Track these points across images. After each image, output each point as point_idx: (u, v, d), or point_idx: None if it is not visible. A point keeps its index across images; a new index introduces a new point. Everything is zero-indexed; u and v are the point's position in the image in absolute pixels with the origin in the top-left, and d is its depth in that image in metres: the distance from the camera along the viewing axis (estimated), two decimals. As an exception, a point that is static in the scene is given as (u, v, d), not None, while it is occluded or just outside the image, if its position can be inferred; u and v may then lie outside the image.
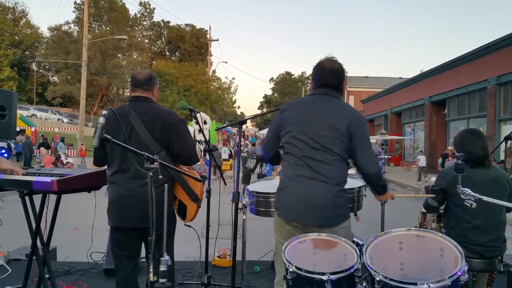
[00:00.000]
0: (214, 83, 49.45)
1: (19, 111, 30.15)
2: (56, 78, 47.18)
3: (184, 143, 2.79)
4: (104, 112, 1.68)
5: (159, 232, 2.78)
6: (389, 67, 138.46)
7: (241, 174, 2.87)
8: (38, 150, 20.09)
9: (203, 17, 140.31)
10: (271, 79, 76.11)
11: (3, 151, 10.67)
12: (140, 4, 52.02)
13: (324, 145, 2.37)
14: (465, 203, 1.98)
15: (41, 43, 45.90)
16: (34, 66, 44.21)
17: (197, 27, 53.83)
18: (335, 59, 2.60)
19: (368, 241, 1.97)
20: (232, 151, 24.44)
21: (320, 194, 2.34)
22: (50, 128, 30.66)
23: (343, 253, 1.99)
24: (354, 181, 3.20)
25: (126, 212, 2.64)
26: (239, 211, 2.37)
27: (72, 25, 45.06)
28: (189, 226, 2.92)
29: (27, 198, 3.19)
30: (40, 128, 29.50)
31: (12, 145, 23.72)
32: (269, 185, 3.20)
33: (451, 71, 19.43)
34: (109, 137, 1.66)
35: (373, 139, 21.50)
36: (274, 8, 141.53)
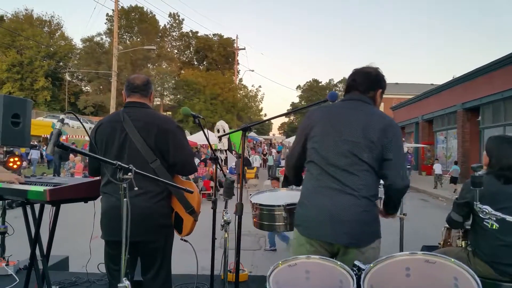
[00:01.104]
0: (241, 91, 49.60)
1: (51, 120, 31.12)
2: (88, 88, 48.54)
3: (180, 152, 2.62)
4: (62, 116, 1.53)
5: (159, 244, 2.64)
6: (420, 73, 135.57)
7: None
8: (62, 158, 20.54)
9: (231, 27, 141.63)
10: (298, 87, 75.56)
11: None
12: (170, 15, 53.02)
13: (352, 152, 2.13)
14: (484, 223, 1.70)
15: (74, 54, 47.38)
16: (67, 76, 45.59)
17: (225, 37, 54.34)
18: (373, 66, 2.38)
19: (367, 268, 1.71)
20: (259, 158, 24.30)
21: (346, 208, 2.08)
22: (81, 136, 31.38)
23: (339, 279, 1.74)
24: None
25: (119, 225, 2.48)
26: (221, 229, 2.15)
27: (103, 36, 46.39)
28: (185, 240, 2.74)
29: (28, 207, 3.15)
30: (71, 136, 30.22)
31: (44, 153, 24.41)
32: (274, 196, 2.97)
33: (486, 76, 18.61)
34: (67, 144, 1.51)
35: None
36: (301, 16, 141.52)
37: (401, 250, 3.42)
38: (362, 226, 2.09)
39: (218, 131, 7.28)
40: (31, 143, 24.30)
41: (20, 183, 2.83)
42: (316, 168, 2.22)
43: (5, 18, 44.60)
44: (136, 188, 1.59)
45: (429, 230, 8.01)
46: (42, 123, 28.52)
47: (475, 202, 1.74)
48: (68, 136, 29.64)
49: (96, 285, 4.05)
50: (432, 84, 35.02)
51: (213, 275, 3.65)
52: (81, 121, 2.23)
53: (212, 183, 13.83)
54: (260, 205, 2.79)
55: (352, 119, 2.20)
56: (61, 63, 44.53)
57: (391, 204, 2.36)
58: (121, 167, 1.53)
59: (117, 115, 2.65)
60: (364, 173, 2.12)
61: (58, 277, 4.14)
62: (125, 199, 1.47)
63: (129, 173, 1.53)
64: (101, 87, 44.80)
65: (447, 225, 3.54)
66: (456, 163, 19.51)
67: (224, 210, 2.17)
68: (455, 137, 22.65)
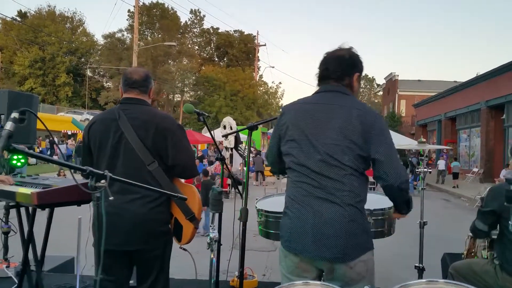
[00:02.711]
0: (261, 88, 49.40)
1: (72, 115, 31.55)
2: (109, 84, 49.06)
3: (180, 153, 2.41)
4: (14, 115, 1.32)
5: (156, 253, 2.42)
6: (443, 70, 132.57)
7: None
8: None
9: (251, 23, 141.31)
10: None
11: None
12: (191, 12, 53.11)
13: (332, 156, 1.89)
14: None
15: (95, 50, 47.97)
16: (88, 72, 46.17)
17: (245, 33, 54.12)
18: (345, 47, 2.09)
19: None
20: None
21: (329, 219, 1.86)
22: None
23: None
24: (383, 199, 2.67)
25: (110, 232, 2.28)
26: (207, 247, 1.91)
27: (125, 33, 46.69)
28: (184, 249, 2.53)
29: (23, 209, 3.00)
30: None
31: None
32: (281, 201, 2.74)
33: (511, 73, 17.90)
34: (20, 147, 1.30)
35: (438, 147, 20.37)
36: (322, 11, 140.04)
37: (421, 260, 3.15)
38: (348, 238, 1.85)
39: (225, 127, 6.98)
40: (51, 139, 24.65)
41: (10, 184, 2.68)
42: (296, 175, 2.00)
43: (28, 14, 45.51)
44: (111, 198, 1.37)
45: (451, 233, 7.66)
46: (63, 119, 28.96)
47: (510, 223, 1.47)
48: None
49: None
50: (455, 81, 34.12)
51: (218, 280, 3.44)
52: (39, 117, 1.99)
53: (229, 181, 13.59)
54: (266, 211, 2.56)
55: (328, 117, 1.95)
56: (82, 59, 45.17)
57: (399, 205, 2.13)
58: (92, 174, 1.31)
59: (111, 113, 2.44)
60: (347, 178, 1.89)
61: (60, 280, 4.00)
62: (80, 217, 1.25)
63: (103, 180, 1.31)
64: (122, 83, 45.15)
65: (471, 234, 3.27)
66: (456, 159, 20.99)
67: (210, 226, 1.93)
68: (479, 136, 21.99)
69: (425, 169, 3.45)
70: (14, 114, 1.29)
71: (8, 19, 41.90)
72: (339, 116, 1.93)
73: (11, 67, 42.52)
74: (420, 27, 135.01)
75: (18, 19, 44.27)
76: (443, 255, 4.14)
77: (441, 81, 41.03)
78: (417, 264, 3.10)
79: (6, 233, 4.25)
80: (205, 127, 3.06)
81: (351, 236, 1.86)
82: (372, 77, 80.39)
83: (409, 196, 2.07)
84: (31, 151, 1.37)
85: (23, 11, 46.10)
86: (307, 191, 1.94)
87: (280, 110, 2.20)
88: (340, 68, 2.04)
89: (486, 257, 3.11)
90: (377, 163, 1.90)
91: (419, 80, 44.32)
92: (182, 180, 2.60)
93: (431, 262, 3.58)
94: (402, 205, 2.11)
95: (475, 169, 20.69)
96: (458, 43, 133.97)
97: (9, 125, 1.22)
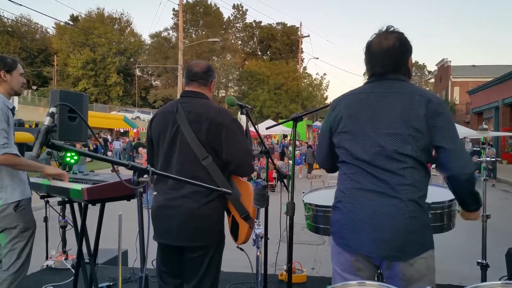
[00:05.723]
0: (305, 80, 48.89)
1: (123, 114, 32.80)
2: (157, 82, 50.52)
3: (234, 148, 2.30)
4: (52, 110, 1.28)
5: (201, 253, 2.32)
6: (500, 54, 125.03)
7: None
8: (133, 151, 21.34)
9: (294, 14, 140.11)
10: (365, 73, 73.08)
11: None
12: (233, 7, 53.50)
13: (393, 147, 1.75)
14: None
15: (143, 49, 49.54)
16: (137, 72, 47.76)
17: (288, 25, 53.72)
18: (389, 31, 1.90)
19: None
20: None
21: (388, 214, 1.73)
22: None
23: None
24: (443, 192, 2.49)
25: (165, 227, 2.29)
26: (253, 244, 1.82)
27: (170, 31, 47.88)
28: (241, 249, 2.42)
29: (76, 204, 3.08)
30: (142, 129, 31.65)
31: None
32: (330, 195, 2.62)
33: None
34: (59, 143, 1.27)
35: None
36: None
37: (484, 256, 2.92)
38: (407, 235, 1.72)
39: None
40: (104, 136, 25.70)
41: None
42: (349, 168, 1.87)
43: (79, 18, 47.75)
44: (154, 193, 1.33)
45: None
46: (115, 117, 30.23)
47: None
48: (139, 129, 31.03)
49: (151, 282, 3.94)
50: (514, 65, 32.00)
51: (267, 274, 3.37)
52: (79, 113, 1.99)
53: (275, 174, 13.57)
54: (316, 206, 2.46)
55: (387, 105, 1.80)
56: (131, 59, 46.78)
57: (465, 199, 1.93)
58: (135, 169, 1.27)
59: (171, 106, 2.42)
60: (409, 171, 1.74)
61: (113, 272, 4.10)
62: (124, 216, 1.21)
63: (145, 175, 1.27)
64: (169, 81, 46.35)
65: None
66: (491, 145, 20.26)
67: (256, 222, 1.83)
68: (543, 122, 20.53)
69: (488, 158, 3.18)
70: (52, 109, 1.26)
71: (61, 23, 44.26)
72: (400, 103, 1.78)
73: (66, 69, 44.84)
74: (473, 8, 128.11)
75: (71, 23, 46.59)
76: (507, 251, 3.85)
77: (497, 65, 38.67)
78: (479, 260, 2.88)
79: (63, 227, 4.44)
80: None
81: (411, 233, 1.73)
82: (423, 63, 77.08)
83: (475, 190, 1.88)
84: (70, 146, 1.36)
85: (74, 15, 48.50)
86: (362, 184, 1.81)
87: (331, 102, 2.05)
88: (389, 63, 1.87)
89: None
90: (442, 151, 1.75)
91: (473, 66, 42.10)
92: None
93: (494, 258, 3.33)
94: (468, 199, 1.91)
95: (538, 158, 19.39)
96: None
97: (47, 120, 1.19)
